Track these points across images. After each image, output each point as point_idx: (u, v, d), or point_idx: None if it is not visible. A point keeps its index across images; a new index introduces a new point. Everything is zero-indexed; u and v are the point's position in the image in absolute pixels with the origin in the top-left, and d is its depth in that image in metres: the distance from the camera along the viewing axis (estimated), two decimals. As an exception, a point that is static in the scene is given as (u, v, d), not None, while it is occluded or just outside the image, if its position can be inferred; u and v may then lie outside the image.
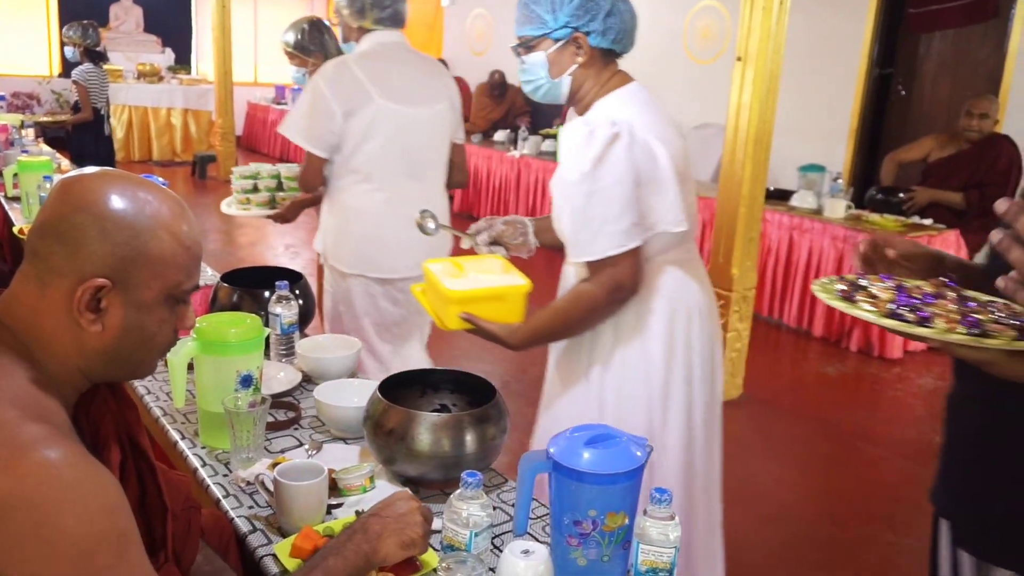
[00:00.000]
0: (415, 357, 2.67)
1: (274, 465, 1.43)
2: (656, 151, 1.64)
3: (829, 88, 6.37)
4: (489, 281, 1.71)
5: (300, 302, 2.03)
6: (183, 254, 1.04)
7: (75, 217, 0.98)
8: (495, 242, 1.96)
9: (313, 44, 3.00)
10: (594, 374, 1.76)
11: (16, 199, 3.73)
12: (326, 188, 2.61)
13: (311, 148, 2.51)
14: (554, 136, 6.90)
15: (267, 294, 2.04)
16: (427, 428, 1.42)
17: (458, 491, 1.19)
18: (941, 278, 1.15)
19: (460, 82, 9.31)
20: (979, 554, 1.22)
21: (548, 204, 7.08)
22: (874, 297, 1.11)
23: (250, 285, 2.10)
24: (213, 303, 2.13)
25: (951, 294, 1.11)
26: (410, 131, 2.54)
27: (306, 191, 2.70)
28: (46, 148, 5.13)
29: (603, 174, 1.59)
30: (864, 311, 1.07)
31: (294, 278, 2.13)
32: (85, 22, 5.97)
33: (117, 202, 1.00)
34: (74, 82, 5.96)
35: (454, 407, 1.65)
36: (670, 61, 7.31)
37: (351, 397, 1.70)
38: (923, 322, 1.03)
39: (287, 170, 2.98)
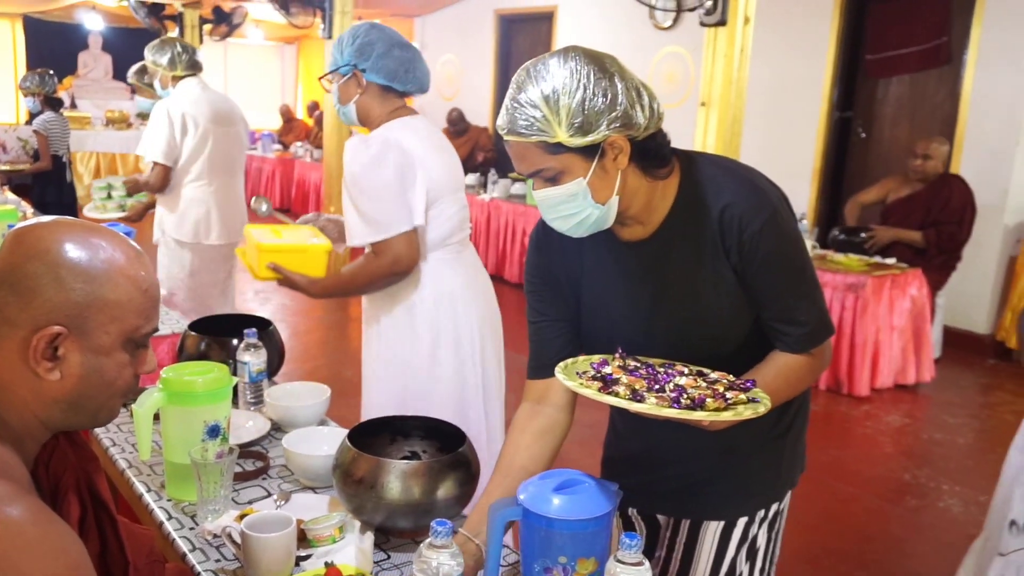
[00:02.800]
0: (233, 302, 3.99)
1: (241, 517, 1.41)
2: (415, 163, 2.08)
3: (791, 131, 6.52)
4: (296, 240, 2.17)
5: (269, 349, 2.02)
6: (140, 298, 1.03)
7: (28, 266, 0.97)
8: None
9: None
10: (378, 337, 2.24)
11: (-20, 248, 3.68)
12: (168, 189, 3.67)
13: (166, 162, 3.57)
14: (523, 179, 6.97)
15: (235, 342, 2.03)
16: (397, 476, 1.41)
17: (427, 540, 1.18)
18: (618, 353, 1.33)
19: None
20: (643, 507, 1.61)
21: (519, 248, 7.09)
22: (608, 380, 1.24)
23: (218, 333, 2.08)
24: (181, 352, 2.11)
25: (631, 363, 1.29)
26: (226, 142, 3.68)
27: (158, 192, 3.69)
28: (11, 196, 5.09)
29: (375, 177, 2.06)
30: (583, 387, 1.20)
31: (262, 325, 2.12)
32: (40, 70, 6.00)
33: (71, 249, 0.99)
34: (35, 131, 5.99)
35: (424, 454, 1.64)
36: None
37: (320, 445, 1.69)
38: (637, 399, 1.18)
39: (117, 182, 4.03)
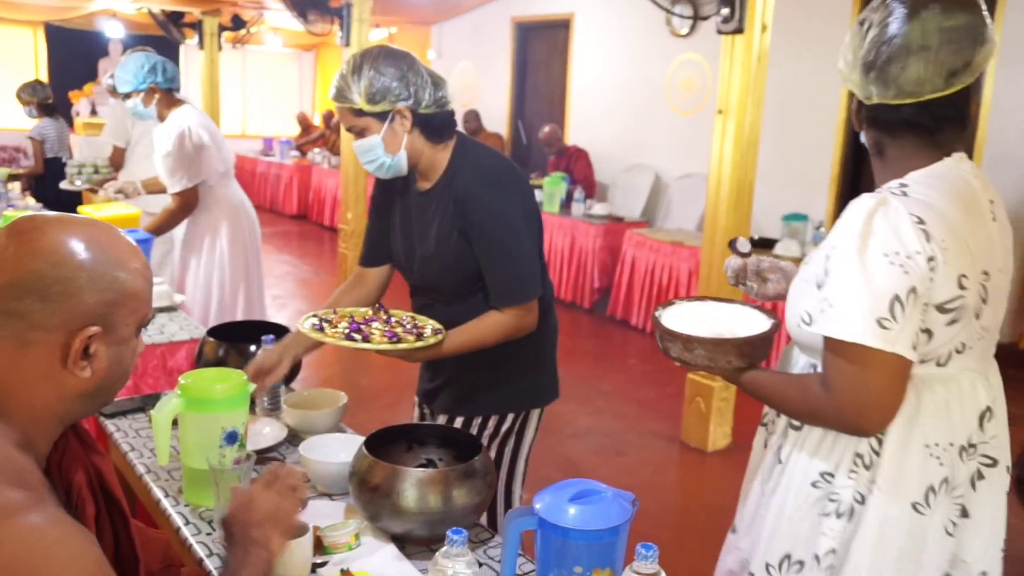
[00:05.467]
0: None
1: (258, 523, 1.41)
2: (203, 135, 3.39)
3: (809, 138, 6.49)
4: (111, 211, 3.58)
5: (286, 356, 2.03)
6: (146, 287, 1.08)
7: (55, 272, 0.97)
8: None
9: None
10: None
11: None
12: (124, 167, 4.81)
13: (121, 144, 4.78)
14: (540, 186, 6.97)
15: (253, 348, 2.04)
16: (413, 484, 1.41)
17: (443, 548, 1.18)
18: (376, 305, 1.93)
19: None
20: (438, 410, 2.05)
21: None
22: (335, 327, 1.76)
23: (236, 339, 2.10)
24: (199, 358, 2.12)
25: (383, 315, 1.85)
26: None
27: (116, 168, 4.80)
28: (32, 202, 5.14)
29: (180, 145, 3.36)
30: (328, 337, 1.72)
31: (280, 332, 2.13)
32: (32, 81, 6.48)
33: (87, 250, 1.01)
34: (30, 137, 6.29)
35: (440, 462, 1.64)
36: (654, 112, 7.44)
37: (337, 453, 1.69)
38: (366, 340, 1.71)
39: (101, 160, 5.01)
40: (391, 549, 1.45)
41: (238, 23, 8.25)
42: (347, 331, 1.73)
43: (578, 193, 6.66)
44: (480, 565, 1.42)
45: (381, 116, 1.80)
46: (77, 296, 0.99)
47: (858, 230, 1.27)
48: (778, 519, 1.44)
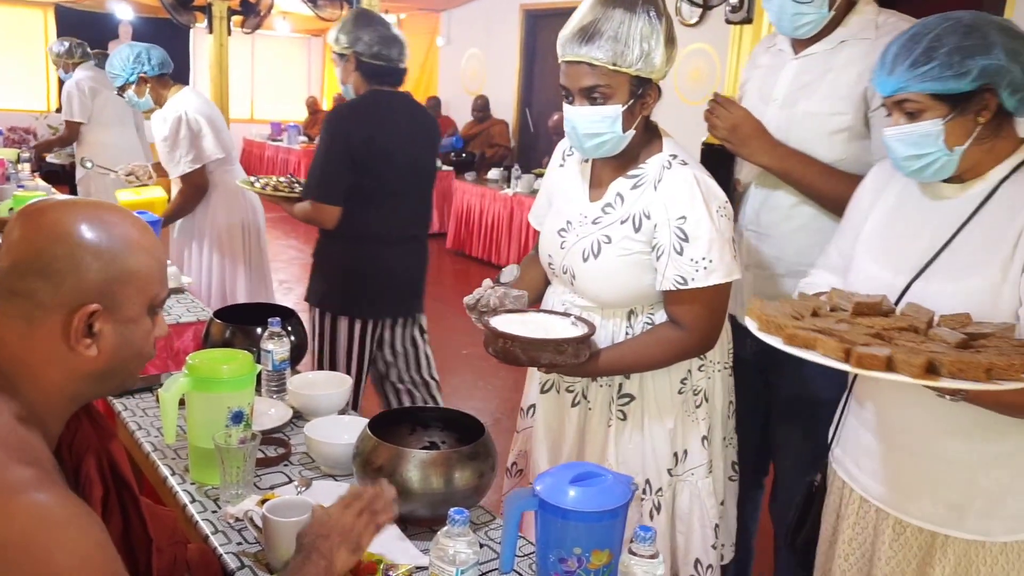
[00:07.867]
0: None
1: (263, 501, 1.44)
2: (200, 120, 3.43)
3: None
4: (144, 194, 3.61)
5: (292, 339, 2.05)
6: (155, 266, 1.08)
7: (53, 249, 0.99)
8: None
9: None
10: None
11: (11, 233, 3.75)
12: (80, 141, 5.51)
13: (83, 119, 5.42)
14: (542, 174, 6.96)
15: (259, 330, 2.06)
16: (416, 465, 1.43)
17: (445, 528, 1.20)
18: (290, 175, 2.70)
19: (449, 121, 9.46)
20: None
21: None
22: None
23: (243, 321, 2.12)
24: (206, 339, 2.14)
25: (293, 182, 2.78)
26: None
27: (69, 143, 5.55)
28: (42, 183, 5.16)
29: (176, 129, 3.40)
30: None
31: (286, 315, 2.15)
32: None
33: (89, 229, 1.01)
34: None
35: (443, 444, 1.66)
36: (661, 100, 7.40)
37: (341, 434, 1.71)
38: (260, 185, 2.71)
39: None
40: (393, 529, 1.47)
41: (247, 7, 8.23)
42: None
43: (585, 182, 6.63)
44: (480, 546, 1.44)
45: (340, 56, 2.64)
46: (77, 273, 0.99)
47: (700, 198, 1.59)
48: (662, 434, 1.73)
